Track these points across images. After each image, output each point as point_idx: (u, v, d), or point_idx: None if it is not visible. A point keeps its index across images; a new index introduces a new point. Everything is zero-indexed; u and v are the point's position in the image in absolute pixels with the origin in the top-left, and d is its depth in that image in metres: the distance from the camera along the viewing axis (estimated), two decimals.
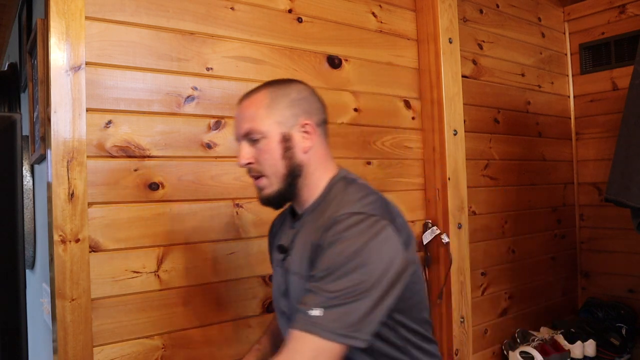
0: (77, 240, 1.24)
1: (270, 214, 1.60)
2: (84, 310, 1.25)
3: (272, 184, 1.03)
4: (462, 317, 1.98)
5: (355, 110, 1.86)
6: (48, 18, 1.24)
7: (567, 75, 2.90)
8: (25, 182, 1.76)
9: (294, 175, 1.03)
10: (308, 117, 1.04)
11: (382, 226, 0.92)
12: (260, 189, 1.06)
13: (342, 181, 1.05)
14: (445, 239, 1.96)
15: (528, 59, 2.65)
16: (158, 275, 1.39)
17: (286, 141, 1.02)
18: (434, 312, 2.01)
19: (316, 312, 0.86)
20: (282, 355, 0.88)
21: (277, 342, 1.25)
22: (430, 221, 2.03)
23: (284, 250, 1.10)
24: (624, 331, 2.45)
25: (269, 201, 1.06)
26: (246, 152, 1.03)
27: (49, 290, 1.31)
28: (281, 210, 1.15)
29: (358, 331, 0.87)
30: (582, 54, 2.85)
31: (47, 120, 1.26)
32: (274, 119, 1.02)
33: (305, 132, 1.03)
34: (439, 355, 1.10)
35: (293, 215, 1.13)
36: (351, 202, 0.96)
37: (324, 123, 1.08)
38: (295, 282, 1.04)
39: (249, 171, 1.06)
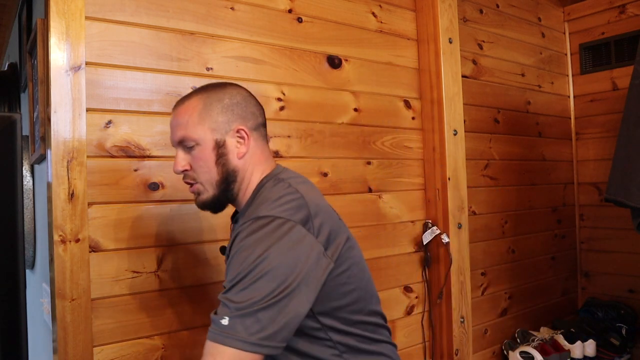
0: (77, 240, 1.24)
1: None
2: (84, 310, 1.25)
3: (207, 190, 1.04)
4: (462, 317, 1.98)
5: (355, 110, 1.86)
6: (48, 18, 1.24)
7: (567, 75, 2.90)
8: (25, 182, 1.76)
9: (228, 181, 1.03)
10: (242, 122, 1.03)
11: (289, 228, 0.90)
12: (196, 195, 1.05)
13: (271, 181, 1.03)
14: (445, 239, 1.96)
15: (528, 59, 2.65)
16: (158, 275, 1.39)
17: (219, 147, 1.01)
18: (434, 312, 2.02)
19: (225, 321, 0.84)
20: None
21: None
22: (430, 221, 2.03)
23: (225, 253, 1.05)
24: (624, 331, 2.45)
25: (205, 206, 1.06)
26: (181, 159, 1.03)
27: (49, 290, 1.31)
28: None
29: (269, 339, 0.85)
30: (582, 54, 2.85)
31: (47, 120, 1.26)
32: (207, 126, 1.01)
33: (240, 137, 1.03)
34: (388, 354, 1.06)
35: (235, 215, 1.13)
36: (264, 205, 0.95)
37: (260, 126, 1.07)
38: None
39: (184, 177, 1.06)
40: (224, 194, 1.04)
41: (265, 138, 1.10)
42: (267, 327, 0.85)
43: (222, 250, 1.11)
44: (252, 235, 0.90)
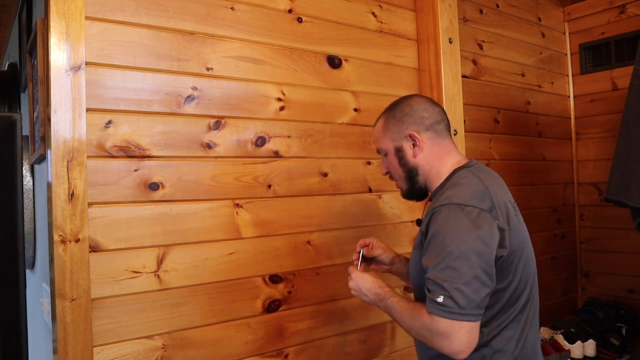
0: (77, 240, 1.24)
1: (270, 214, 1.61)
2: (84, 310, 1.25)
3: (402, 185, 1.33)
4: None
5: (355, 110, 1.86)
6: (48, 18, 1.24)
7: (567, 75, 2.90)
8: (25, 182, 1.76)
9: (412, 175, 1.28)
10: (413, 128, 1.26)
11: (477, 214, 1.08)
12: (399, 189, 1.35)
13: (463, 171, 1.21)
14: None
15: (528, 59, 2.65)
16: (158, 275, 1.39)
17: (399, 152, 1.28)
18: None
19: (440, 299, 1.03)
20: (425, 323, 1.07)
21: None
22: None
23: (420, 224, 1.35)
24: (624, 331, 2.45)
25: (405, 197, 1.35)
26: (383, 165, 1.35)
27: (49, 290, 1.31)
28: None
29: (478, 307, 1.04)
30: (582, 54, 2.85)
31: (47, 120, 1.26)
32: (388, 138, 1.30)
33: (413, 140, 1.26)
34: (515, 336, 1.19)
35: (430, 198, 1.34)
36: (455, 193, 1.13)
37: (434, 125, 1.26)
38: (413, 252, 1.25)
39: (390, 177, 1.36)
40: (413, 186, 1.30)
41: (444, 133, 1.28)
42: (474, 299, 1.03)
43: (418, 222, 1.41)
44: (449, 220, 1.09)
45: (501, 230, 1.10)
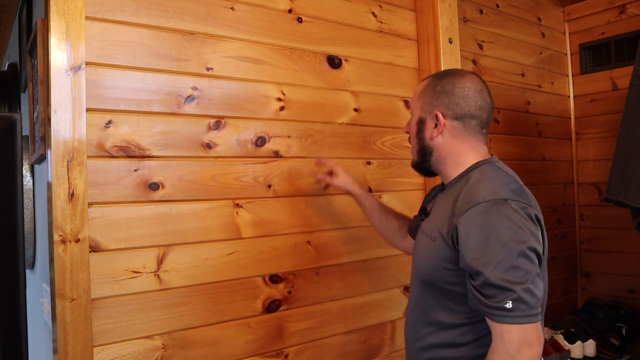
0: (77, 240, 1.24)
1: (270, 214, 1.61)
2: (84, 310, 1.25)
3: (413, 155, 1.28)
4: None
5: (355, 110, 1.86)
6: (48, 18, 1.24)
7: (567, 75, 2.90)
8: (25, 182, 1.76)
9: (424, 154, 1.23)
10: (444, 109, 1.18)
11: (522, 208, 1.03)
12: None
13: (487, 166, 1.16)
14: None
15: (528, 59, 2.65)
16: (158, 275, 1.39)
17: (421, 124, 1.22)
18: None
19: (509, 305, 0.96)
20: (497, 351, 0.99)
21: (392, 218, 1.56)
22: None
23: (425, 212, 1.28)
24: (624, 331, 2.45)
25: (413, 167, 1.30)
26: (408, 122, 1.29)
27: (49, 290, 1.31)
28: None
29: (541, 306, 1.00)
30: (582, 54, 2.85)
31: (47, 120, 1.26)
32: (420, 104, 1.23)
33: (436, 121, 1.19)
34: None
35: (442, 186, 1.29)
36: (490, 188, 1.06)
37: (466, 118, 1.17)
38: (423, 242, 1.21)
39: (409, 139, 1.30)
40: (422, 163, 1.25)
41: (474, 129, 1.19)
42: (540, 297, 0.98)
43: (423, 210, 1.31)
44: (498, 216, 1.01)
45: (540, 224, 1.08)
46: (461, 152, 1.18)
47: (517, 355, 0.95)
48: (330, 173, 1.62)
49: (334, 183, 1.61)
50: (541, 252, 1.03)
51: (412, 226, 1.46)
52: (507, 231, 0.99)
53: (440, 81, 1.20)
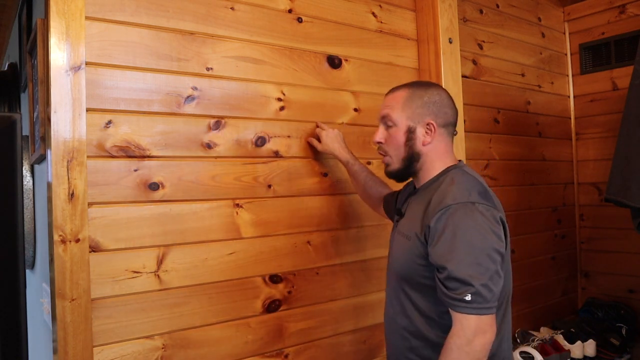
0: (77, 240, 1.24)
1: (270, 214, 1.61)
2: (84, 310, 1.25)
3: (394, 163, 1.32)
4: None
5: (355, 110, 1.86)
6: (48, 18, 1.24)
7: (567, 75, 2.90)
8: (25, 182, 1.76)
9: (412, 160, 1.29)
10: (434, 118, 1.27)
11: (487, 210, 1.14)
12: (385, 165, 1.35)
13: (456, 171, 1.26)
14: None
15: (528, 59, 2.65)
16: (158, 275, 1.39)
17: (410, 133, 1.28)
18: None
19: (468, 297, 1.08)
20: (456, 335, 1.10)
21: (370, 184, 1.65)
22: None
23: (400, 213, 1.37)
24: (624, 331, 2.45)
25: (391, 175, 1.35)
26: (381, 133, 1.33)
27: (49, 290, 1.31)
28: (406, 182, 1.44)
29: (496, 300, 1.11)
30: (582, 54, 2.85)
31: (47, 120, 1.26)
32: (405, 114, 1.28)
33: (428, 129, 1.27)
34: None
35: (413, 188, 1.37)
36: (459, 192, 1.17)
37: (449, 125, 1.30)
38: (399, 241, 1.31)
39: (379, 148, 1.36)
40: (406, 169, 1.31)
41: (452, 136, 1.32)
42: (496, 292, 1.10)
43: (398, 212, 1.40)
44: (466, 218, 1.13)
45: (503, 225, 1.19)
46: (440, 157, 1.29)
47: (473, 340, 1.08)
48: (319, 139, 1.68)
49: (318, 148, 1.68)
50: (503, 250, 1.15)
51: (387, 198, 1.59)
52: (472, 232, 1.11)
53: (426, 92, 1.29)
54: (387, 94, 1.35)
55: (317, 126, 1.72)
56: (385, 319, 1.41)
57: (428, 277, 1.20)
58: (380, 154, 1.36)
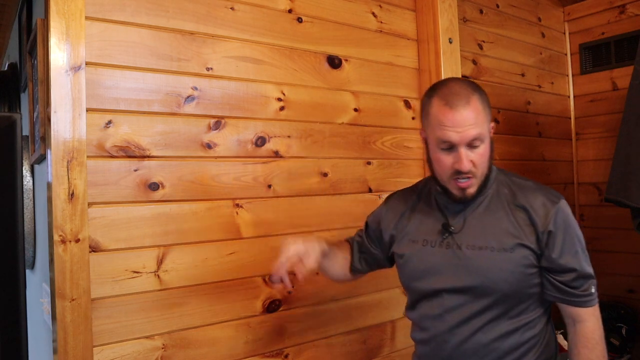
0: (77, 240, 1.24)
1: (270, 214, 1.61)
2: (84, 310, 1.25)
3: (476, 184, 1.13)
4: None
5: (355, 110, 1.86)
6: (48, 18, 1.24)
7: (567, 75, 2.90)
8: (25, 182, 1.76)
9: (489, 172, 1.15)
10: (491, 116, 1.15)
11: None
12: (465, 189, 1.12)
13: (500, 169, 1.23)
14: None
15: (528, 59, 2.65)
16: (158, 275, 1.39)
17: (492, 143, 1.13)
18: None
19: (593, 289, 1.12)
20: (596, 328, 1.13)
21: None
22: None
23: (448, 228, 1.18)
24: (624, 331, 2.45)
25: (469, 198, 1.15)
26: (470, 157, 1.09)
27: (49, 290, 1.31)
28: (394, 195, 1.37)
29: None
30: (582, 54, 2.85)
31: (47, 120, 1.26)
32: (487, 124, 1.11)
33: (492, 130, 1.15)
34: None
35: (462, 199, 1.16)
36: (544, 189, 1.19)
37: None
38: (482, 255, 1.14)
39: (463, 175, 1.10)
40: (484, 185, 1.15)
41: None
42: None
43: (445, 227, 1.19)
44: (569, 216, 1.15)
45: None
46: None
47: (601, 326, 1.14)
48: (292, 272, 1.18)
49: (307, 266, 1.18)
50: None
51: (364, 241, 1.37)
52: (575, 224, 1.15)
53: (482, 92, 1.13)
54: (456, 107, 1.07)
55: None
56: (446, 353, 1.18)
57: (537, 285, 1.15)
58: (463, 179, 1.11)
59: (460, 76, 2.05)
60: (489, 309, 1.14)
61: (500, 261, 1.13)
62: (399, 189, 1.47)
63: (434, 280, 1.19)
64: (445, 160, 1.11)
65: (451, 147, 1.09)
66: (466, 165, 1.08)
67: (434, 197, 1.27)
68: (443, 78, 1.98)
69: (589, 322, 1.12)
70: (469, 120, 1.07)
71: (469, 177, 1.11)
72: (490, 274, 1.13)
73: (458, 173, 1.10)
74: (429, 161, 1.19)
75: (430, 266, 1.20)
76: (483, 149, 1.10)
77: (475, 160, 1.09)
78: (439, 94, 1.12)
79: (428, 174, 2.05)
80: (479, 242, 1.15)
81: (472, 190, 1.13)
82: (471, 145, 1.08)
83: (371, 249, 1.38)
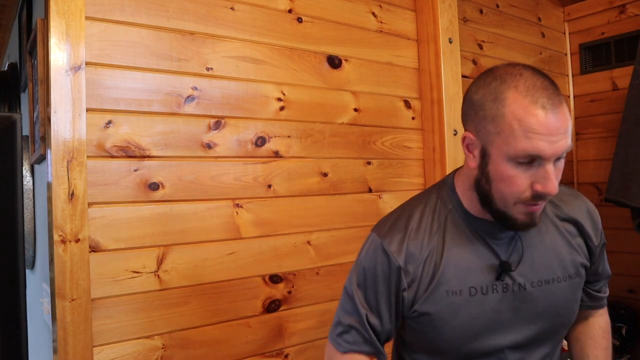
0: (77, 240, 1.24)
1: (270, 214, 1.61)
2: (84, 310, 1.25)
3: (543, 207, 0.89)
4: None
5: (355, 110, 1.86)
6: (48, 18, 1.24)
7: (567, 75, 2.90)
8: (25, 182, 1.76)
9: None
10: None
11: None
12: (535, 214, 0.88)
13: None
14: None
15: (528, 59, 2.65)
16: (158, 275, 1.39)
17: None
18: None
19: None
20: (607, 321, 1.16)
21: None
22: None
23: (507, 267, 0.93)
24: (624, 331, 2.45)
25: (534, 225, 0.90)
26: (556, 176, 0.85)
27: (49, 290, 1.31)
28: (407, 238, 0.98)
29: None
30: (582, 54, 2.85)
31: (47, 120, 1.26)
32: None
33: None
34: None
35: (492, 225, 0.94)
36: (575, 194, 1.07)
37: None
38: (551, 290, 0.95)
39: (539, 197, 0.85)
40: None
41: None
42: None
43: (504, 265, 0.93)
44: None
45: None
46: None
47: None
48: None
49: None
50: None
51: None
52: None
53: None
54: (552, 112, 0.80)
55: None
56: None
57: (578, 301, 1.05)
58: (539, 202, 0.87)
59: (460, 76, 2.05)
60: (548, 354, 1.03)
61: (569, 291, 0.97)
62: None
63: (493, 337, 0.94)
64: (522, 178, 0.84)
65: (532, 162, 0.83)
66: (556, 187, 0.83)
67: (464, 222, 0.97)
68: (443, 78, 1.98)
69: (605, 322, 1.15)
70: (564, 127, 0.81)
71: (542, 202, 0.87)
72: (563, 311, 0.97)
73: (538, 197, 0.84)
74: (480, 179, 0.89)
75: (487, 320, 0.93)
76: (562, 164, 0.86)
77: (560, 173, 0.86)
78: (519, 87, 0.82)
79: (428, 173, 2.07)
80: (545, 275, 0.95)
81: (539, 213, 0.88)
82: (558, 159, 0.85)
83: (386, 331, 1.00)
